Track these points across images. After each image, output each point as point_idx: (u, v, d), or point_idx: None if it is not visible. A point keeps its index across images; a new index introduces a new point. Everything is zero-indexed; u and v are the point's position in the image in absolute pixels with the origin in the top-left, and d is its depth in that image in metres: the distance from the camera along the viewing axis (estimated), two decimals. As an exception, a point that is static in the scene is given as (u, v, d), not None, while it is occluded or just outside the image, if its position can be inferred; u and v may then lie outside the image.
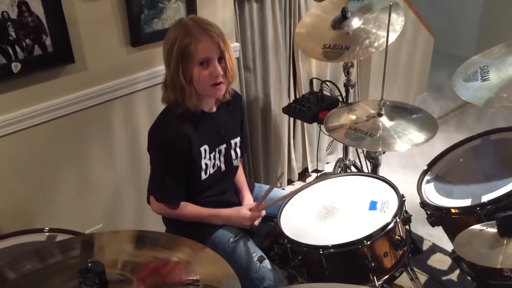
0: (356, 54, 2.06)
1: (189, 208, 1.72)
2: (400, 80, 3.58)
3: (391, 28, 2.08)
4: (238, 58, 2.53)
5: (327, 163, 3.34)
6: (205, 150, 1.68)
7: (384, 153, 2.10)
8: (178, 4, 2.06)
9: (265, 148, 2.94)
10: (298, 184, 3.21)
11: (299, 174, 3.20)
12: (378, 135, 1.90)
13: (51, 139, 1.91)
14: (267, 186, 2.01)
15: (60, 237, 1.71)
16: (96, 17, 1.86)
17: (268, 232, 1.83)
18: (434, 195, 1.67)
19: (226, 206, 1.78)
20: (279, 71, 2.78)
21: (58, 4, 1.71)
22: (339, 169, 2.52)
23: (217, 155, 1.74)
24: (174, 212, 1.72)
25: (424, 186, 1.71)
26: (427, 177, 1.75)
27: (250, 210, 1.73)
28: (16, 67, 1.70)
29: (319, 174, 3.14)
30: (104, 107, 2.00)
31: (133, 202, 2.23)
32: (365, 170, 2.54)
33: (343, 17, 2.13)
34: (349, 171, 2.54)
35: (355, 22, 2.16)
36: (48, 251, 1.33)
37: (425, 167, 1.77)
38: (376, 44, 2.06)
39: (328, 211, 1.71)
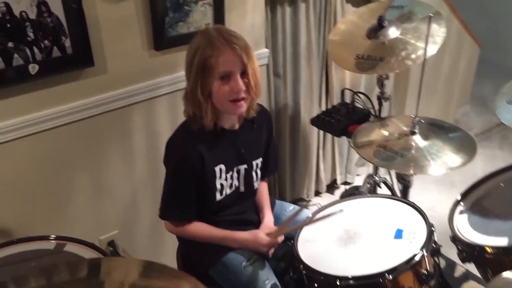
0: (391, 66, 1.93)
1: (201, 228, 1.63)
2: (440, 91, 3.40)
3: (431, 40, 1.95)
4: (267, 64, 2.44)
5: (357, 175, 3.20)
6: (220, 169, 1.58)
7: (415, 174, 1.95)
8: (205, 7, 1.98)
9: (292, 157, 2.84)
10: (325, 196, 3.08)
11: (327, 186, 3.08)
12: (410, 155, 1.76)
13: (68, 143, 1.86)
14: (289, 205, 1.90)
15: (69, 246, 1.67)
16: (118, 19, 1.79)
17: (285, 253, 1.72)
18: (467, 229, 1.52)
19: (244, 226, 1.68)
20: (310, 79, 2.67)
21: (79, 4, 1.65)
22: (368, 185, 2.38)
23: (235, 175, 1.63)
24: (184, 231, 1.63)
25: (456, 217, 1.56)
26: (460, 207, 1.60)
27: (268, 234, 1.62)
28: (33, 68, 1.65)
29: (347, 187, 3.01)
30: (124, 111, 1.93)
31: (150, 210, 2.16)
32: (396, 188, 2.39)
33: (379, 26, 2.00)
34: (378, 188, 2.40)
35: (392, 32, 2.02)
36: (56, 269, 1.27)
37: (459, 197, 1.62)
38: (413, 56, 1.92)
39: (350, 236, 1.59)
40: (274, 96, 2.59)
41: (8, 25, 1.55)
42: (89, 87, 1.82)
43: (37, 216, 1.89)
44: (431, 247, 1.50)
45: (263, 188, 1.83)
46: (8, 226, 1.83)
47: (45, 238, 1.65)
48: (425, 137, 1.84)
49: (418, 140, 1.83)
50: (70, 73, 1.74)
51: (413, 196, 2.97)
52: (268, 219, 1.74)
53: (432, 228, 1.52)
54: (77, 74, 1.77)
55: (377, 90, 2.23)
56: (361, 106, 2.34)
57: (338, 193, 3.06)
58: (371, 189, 2.44)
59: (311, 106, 2.73)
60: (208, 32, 1.49)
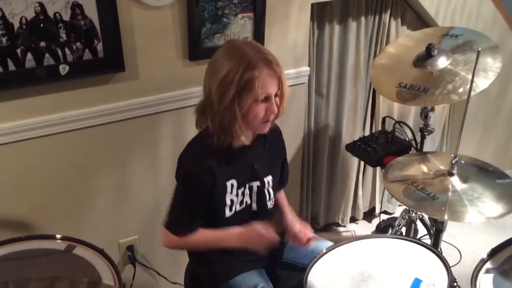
0: (434, 100, 1.79)
1: (200, 238, 1.55)
2: (501, 127, 3.16)
3: (483, 75, 1.80)
4: (309, 83, 2.35)
5: (399, 205, 3.02)
6: (232, 185, 1.52)
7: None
8: (245, 21, 1.92)
9: (329, 181, 2.73)
10: (361, 224, 2.94)
11: (365, 213, 2.93)
12: (445, 198, 1.62)
13: (95, 145, 1.87)
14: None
15: (79, 248, 1.67)
16: (154, 26, 1.78)
17: (295, 286, 1.63)
18: (490, 292, 1.36)
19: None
20: (355, 101, 2.55)
21: (114, 9, 1.66)
22: (403, 220, 2.23)
23: (247, 191, 1.57)
24: (180, 242, 1.56)
25: (481, 276, 1.41)
26: (488, 265, 1.44)
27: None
28: (64, 69, 1.67)
29: (386, 217, 2.85)
30: (153, 118, 1.92)
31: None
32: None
33: (428, 54, 1.86)
34: (414, 225, 2.24)
35: (442, 62, 1.88)
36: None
37: (485, 256, 1.46)
38: (460, 90, 1.77)
39: (364, 278, 1.47)
40: (315, 115, 2.50)
41: (42, 25, 1.58)
42: (119, 92, 1.82)
43: (59, 215, 1.92)
44: (451, 304, 1.37)
45: (283, 199, 1.79)
46: (31, 222, 1.87)
47: (52, 237, 1.66)
48: (464, 179, 1.69)
49: (455, 182, 1.68)
50: (100, 76, 1.75)
51: (458, 235, 2.80)
52: (289, 218, 1.67)
53: (455, 283, 1.39)
54: (107, 78, 1.77)
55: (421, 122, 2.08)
56: (401, 137, 2.19)
57: (375, 221, 2.91)
58: (406, 225, 2.29)
59: (353, 129, 2.61)
60: (243, 49, 1.40)
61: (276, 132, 1.66)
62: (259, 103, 1.40)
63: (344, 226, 2.89)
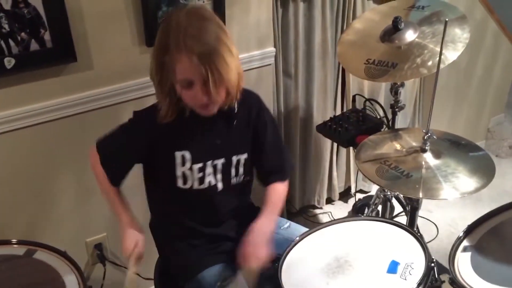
0: (403, 75, 1.73)
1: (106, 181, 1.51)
2: (472, 99, 3.14)
3: (452, 46, 1.74)
4: (276, 63, 2.27)
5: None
6: (183, 156, 1.42)
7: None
8: (203, 1, 1.83)
9: (303, 162, 2.67)
10: (338, 204, 2.90)
11: (340, 193, 2.89)
12: (419, 176, 1.57)
13: (51, 141, 1.76)
14: (285, 221, 1.70)
15: (40, 252, 1.57)
16: (105, 11, 1.67)
17: (271, 276, 1.57)
18: (468, 271, 1.31)
19: (220, 245, 1.54)
20: (325, 80, 2.49)
21: (59, -5, 1.54)
22: (378, 199, 2.19)
23: (209, 169, 1.46)
24: (96, 169, 1.52)
25: (459, 255, 1.36)
26: (465, 243, 1.40)
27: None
28: (9, 62, 1.55)
29: (362, 196, 2.81)
30: (111, 110, 1.81)
31: (140, 212, 2.03)
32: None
33: (395, 28, 1.80)
34: (388, 204, 2.20)
35: (409, 35, 1.82)
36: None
37: (461, 234, 1.41)
38: (429, 63, 1.71)
39: (339, 264, 1.42)
40: (284, 96, 2.42)
41: (-20, 16, 1.45)
42: (73, 83, 1.70)
43: (18, 217, 1.81)
44: (429, 285, 1.33)
45: (272, 189, 1.59)
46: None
47: (8, 242, 1.56)
48: (437, 155, 1.64)
49: (429, 158, 1.63)
50: (50, 68, 1.63)
51: (434, 209, 2.79)
52: (257, 224, 1.47)
53: (432, 264, 1.34)
54: (58, 69, 1.65)
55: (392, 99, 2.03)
56: (372, 115, 2.14)
57: (352, 201, 2.88)
58: (382, 203, 2.25)
59: (324, 109, 2.55)
60: (176, 24, 1.26)
61: (252, 105, 1.52)
62: (183, 87, 1.30)
63: (321, 208, 2.85)
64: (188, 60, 1.23)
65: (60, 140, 1.77)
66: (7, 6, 1.48)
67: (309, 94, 2.49)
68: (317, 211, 2.83)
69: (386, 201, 2.21)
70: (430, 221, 2.70)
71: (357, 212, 2.58)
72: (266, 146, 1.56)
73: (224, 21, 1.86)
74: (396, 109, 1.97)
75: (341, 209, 2.85)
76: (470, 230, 1.40)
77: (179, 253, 1.55)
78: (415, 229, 1.88)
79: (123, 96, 1.81)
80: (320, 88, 2.50)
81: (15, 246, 1.57)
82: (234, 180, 1.54)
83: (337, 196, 2.87)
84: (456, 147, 1.70)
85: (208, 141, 1.46)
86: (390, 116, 2.05)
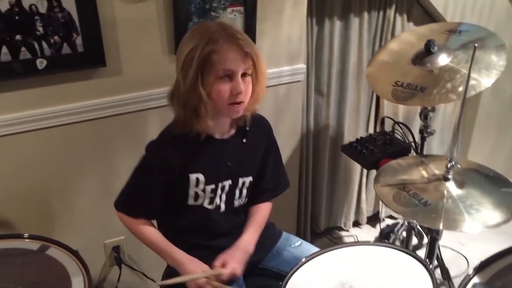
0: (431, 99, 1.67)
1: (147, 230, 1.50)
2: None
3: (486, 74, 1.68)
4: (308, 80, 2.26)
5: (405, 210, 2.90)
6: (197, 179, 1.43)
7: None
8: (235, 15, 1.84)
9: (331, 183, 2.63)
10: (365, 229, 2.83)
11: (368, 217, 2.82)
12: (440, 205, 1.51)
13: (76, 143, 1.81)
14: (296, 239, 1.69)
15: (53, 249, 1.61)
16: (137, 20, 1.71)
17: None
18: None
19: (216, 255, 1.50)
20: (358, 101, 2.45)
21: (93, 2, 1.60)
22: (401, 227, 2.12)
23: (219, 191, 1.48)
24: (131, 226, 1.53)
25: (467, 292, 1.29)
26: (475, 280, 1.32)
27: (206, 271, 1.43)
28: (41, 63, 1.61)
29: (391, 223, 2.73)
30: (137, 116, 1.85)
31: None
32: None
33: (427, 51, 1.75)
34: (413, 232, 2.13)
35: (442, 59, 1.76)
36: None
37: (471, 272, 1.34)
38: (460, 89, 1.65)
39: (345, 288, 1.38)
40: (314, 114, 2.40)
41: (17, 17, 1.52)
42: (102, 88, 1.76)
43: (41, 213, 1.87)
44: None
45: (259, 209, 1.61)
46: (9, 221, 1.82)
47: (22, 237, 1.61)
48: (461, 185, 1.57)
49: (451, 187, 1.57)
50: (80, 71, 1.69)
51: (466, 241, 2.66)
52: (241, 241, 1.50)
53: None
54: (88, 73, 1.71)
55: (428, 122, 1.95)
56: (401, 139, 2.08)
57: (380, 227, 2.79)
58: (406, 231, 2.17)
59: (356, 130, 2.50)
60: (208, 26, 1.35)
61: (262, 129, 1.56)
62: (222, 81, 1.32)
63: (347, 230, 2.78)
64: (236, 48, 1.30)
65: (86, 142, 1.82)
66: (42, 9, 1.54)
67: (341, 114, 2.45)
68: (343, 233, 2.77)
69: (410, 229, 2.14)
70: (461, 254, 2.57)
71: (384, 238, 2.50)
72: (268, 168, 1.59)
73: (255, 35, 1.89)
74: (425, 135, 1.91)
75: (368, 233, 2.77)
76: (482, 268, 1.33)
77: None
78: (434, 260, 1.82)
79: (150, 103, 1.85)
80: (353, 109, 2.46)
81: (28, 241, 1.62)
82: (236, 203, 1.55)
83: (364, 220, 2.80)
84: (484, 179, 1.63)
85: (220, 163, 1.48)
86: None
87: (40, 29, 1.57)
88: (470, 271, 1.32)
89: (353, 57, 2.34)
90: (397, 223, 2.62)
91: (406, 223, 2.11)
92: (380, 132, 2.14)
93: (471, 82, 1.64)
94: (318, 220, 2.70)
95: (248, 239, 1.52)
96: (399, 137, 2.08)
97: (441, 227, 1.48)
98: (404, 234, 2.18)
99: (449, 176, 1.57)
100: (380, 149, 2.00)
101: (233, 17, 1.84)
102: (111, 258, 2.09)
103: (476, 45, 1.40)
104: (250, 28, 1.88)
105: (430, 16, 2.38)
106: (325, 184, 2.60)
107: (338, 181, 2.63)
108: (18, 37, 1.55)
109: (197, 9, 1.76)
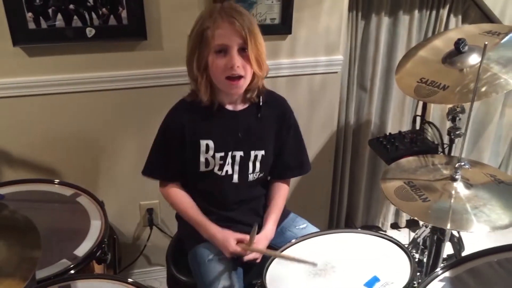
0: (451, 98, 1.64)
1: (181, 199, 1.63)
2: None
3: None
4: (349, 74, 2.29)
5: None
6: (207, 145, 1.54)
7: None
8: (272, 1, 1.93)
9: (370, 180, 2.62)
10: (403, 232, 2.78)
11: (408, 221, 2.76)
12: (446, 204, 1.50)
13: (118, 108, 2.00)
14: (303, 221, 1.74)
15: (83, 197, 1.82)
16: (179, 0, 1.86)
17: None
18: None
19: (231, 226, 1.60)
20: (403, 99, 2.43)
21: (138, -20, 1.77)
22: (423, 227, 2.08)
23: (229, 159, 1.58)
24: (165, 194, 1.66)
25: (433, 284, 1.28)
26: (443, 275, 1.30)
27: (239, 244, 1.52)
28: (90, 31, 1.82)
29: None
30: (175, 89, 1.95)
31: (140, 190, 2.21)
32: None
33: (457, 50, 1.72)
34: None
35: (473, 59, 1.72)
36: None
37: (439, 270, 1.32)
38: (483, 89, 1.60)
39: (325, 268, 1.42)
40: (356, 109, 2.41)
41: (71, -11, 1.74)
42: (142, 60, 1.93)
43: (83, 172, 2.08)
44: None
45: (278, 192, 1.70)
46: (56, 170, 2.06)
47: (51, 182, 1.83)
48: (468, 186, 1.54)
49: (459, 187, 1.54)
50: (124, 42, 1.88)
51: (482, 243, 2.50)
52: (264, 232, 1.60)
53: (414, 284, 1.28)
54: (131, 45, 1.89)
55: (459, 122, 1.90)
56: (429, 139, 2.03)
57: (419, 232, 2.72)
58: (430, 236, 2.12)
59: (400, 127, 2.47)
60: (213, 6, 1.48)
61: (278, 107, 1.63)
62: (217, 55, 1.42)
63: (384, 231, 2.75)
64: (228, 25, 1.40)
65: (127, 107, 2.01)
66: (93, -17, 1.75)
67: (385, 111, 2.44)
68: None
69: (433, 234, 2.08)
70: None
71: (414, 246, 2.44)
72: (287, 146, 1.65)
73: (291, 23, 1.96)
74: (453, 136, 1.86)
75: (405, 237, 2.72)
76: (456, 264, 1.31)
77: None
78: (440, 262, 1.79)
79: (186, 78, 1.97)
80: (397, 108, 2.44)
81: (57, 186, 1.86)
82: (251, 177, 1.63)
83: (403, 223, 2.75)
84: (497, 184, 1.58)
85: (230, 133, 1.57)
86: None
87: (91, 1, 1.77)
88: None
89: (401, 55, 2.30)
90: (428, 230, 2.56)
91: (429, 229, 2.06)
92: (411, 130, 2.12)
93: (499, 81, 1.60)
94: (355, 217, 2.70)
95: (272, 228, 1.62)
96: (429, 137, 2.04)
97: (431, 223, 1.49)
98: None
99: (457, 176, 1.55)
100: (405, 147, 1.98)
101: (271, 4, 1.93)
102: (145, 219, 2.27)
103: (486, 43, 1.37)
104: (287, 16, 1.95)
105: (488, 18, 2.29)
106: (364, 181, 2.60)
107: (378, 180, 2.60)
108: (71, 6, 1.76)
109: (236, -6, 1.87)
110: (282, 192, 1.72)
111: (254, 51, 1.42)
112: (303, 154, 1.71)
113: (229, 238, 1.52)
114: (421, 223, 2.70)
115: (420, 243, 2.12)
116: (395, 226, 2.78)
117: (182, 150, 1.57)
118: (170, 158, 1.60)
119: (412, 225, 2.78)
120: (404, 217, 2.73)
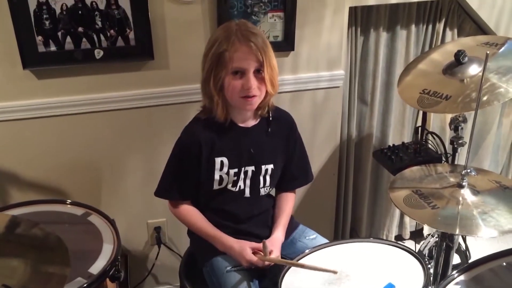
0: (454, 107, 1.68)
1: (193, 215, 1.66)
2: None
3: (515, 85, 1.67)
4: (350, 88, 2.34)
5: (453, 230, 2.83)
6: (222, 162, 1.58)
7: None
8: (275, 20, 1.98)
9: (373, 192, 2.65)
10: (408, 244, 2.78)
11: (412, 232, 2.79)
12: (456, 211, 1.53)
13: (126, 127, 2.03)
14: (312, 232, 1.78)
15: (94, 216, 1.83)
16: (184, 20, 1.91)
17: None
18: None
19: (244, 236, 1.63)
20: (403, 112, 2.47)
21: (145, 2, 1.81)
22: (429, 238, 2.10)
23: (241, 175, 1.62)
24: (177, 213, 1.68)
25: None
26: (459, 278, 1.33)
27: (255, 253, 1.56)
28: (98, 53, 1.86)
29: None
30: (180, 107, 2.04)
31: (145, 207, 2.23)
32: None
33: (457, 61, 1.77)
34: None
35: (473, 69, 1.77)
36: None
37: (455, 274, 1.35)
38: (485, 98, 1.65)
39: (340, 277, 1.44)
40: (357, 122, 2.46)
41: (80, 12, 1.78)
42: (149, 79, 1.97)
43: (94, 188, 2.10)
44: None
45: (285, 200, 1.76)
46: (64, 189, 2.07)
47: (63, 202, 1.84)
48: (476, 193, 1.58)
49: (466, 194, 1.58)
50: (131, 63, 1.92)
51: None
52: (275, 236, 1.65)
53: (429, 290, 1.31)
54: (138, 65, 1.93)
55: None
56: (433, 149, 2.08)
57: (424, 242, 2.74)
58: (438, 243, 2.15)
59: (401, 140, 2.51)
60: (229, 26, 1.51)
61: (284, 123, 1.69)
62: (233, 77, 1.47)
63: (389, 243, 2.77)
64: (246, 48, 1.45)
65: (134, 127, 2.04)
66: (101, 6, 1.79)
67: (385, 124, 2.49)
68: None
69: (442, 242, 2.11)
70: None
71: (422, 256, 2.46)
72: (293, 158, 1.72)
73: (293, 40, 2.02)
74: (456, 145, 1.91)
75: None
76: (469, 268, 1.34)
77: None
78: (449, 270, 1.81)
79: (193, 97, 2.02)
80: (397, 120, 2.48)
81: (69, 206, 1.87)
82: (262, 191, 1.68)
83: (407, 234, 2.78)
84: (503, 190, 1.62)
85: (243, 149, 1.62)
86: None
87: (99, 23, 1.81)
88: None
89: (399, 68, 2.37)
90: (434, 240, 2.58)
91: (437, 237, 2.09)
92: (414, 141, 2.16)
93: (499, 90, 1.65)
94: (359, 228, 2.72)
95: (282, 235, 1.67)
96: (432, 147, 2.08)
97: (441, 229, 1.52)
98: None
99: (463, 183, 1.58)
100: (409, 157, 2.02)
101: (273, 22, 1.98)
102: (153, 237, 2.28)
103: (488, 52, 1.43)
104: (289, 33, 2.00)
105: (482, 31, 2.36)
106: (367, 194, 2.63)
107: (381, 192, 2.64)
108: (80, 29, 1.80)
109: (239, 13, 1.92)
110: (290, 200, 1.78)
111: (268, 73, 1.48)
112: (307, 164, 1.78)
113: (246, 248, 1.55)
114: (425, 234, 2.74)
115: (426, 254, 2.14)
116: (399, 238, 2.80)
117: (197, 168, 1.59)
118: (185, 178, 1.62)
119: (416, 236, 2.80)
120: (408, 228, 2.76)
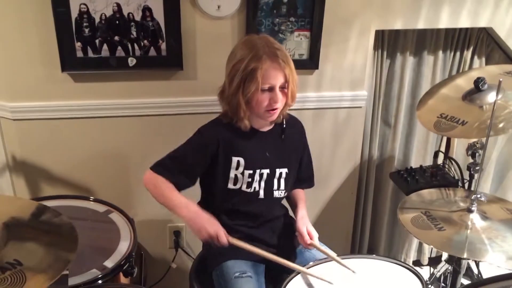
0: (469, 132, 1.71)
1: (169, 187, 1.64)
2: None
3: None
4: (374, 109, 2.37)
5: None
6: (238, 162, 1.65)
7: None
8: (301, 39, 2.06)
9: (392, 216, 2.65)
10: (426, 270, 2.77)
11: (430, 259, 2.76)
12: (464, 235, 1.54)
13: (152, 132, 2.14)
14: (322, 245, 1.81)
15: (115, 214, 1.93)
16: (214, 34, 2.01)
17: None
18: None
19: (255, 244, 1.68)
20: (427, 136, 2.49)
21: (178, 16, 1.92)
22: (443, 263, 2.09)
23: (257, 177, 1.68)
24: (151, 177, 1.68)
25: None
26: None
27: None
28: (132, 61, 1.97)
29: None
30: (206, 117, 2.10)
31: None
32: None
33: (476, 88, 1.79)
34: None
35: (492, 97, 1.78)
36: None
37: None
38: (501, 125, 1.67)
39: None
40: (379, 144, 2.48)
41: (117, 22, 1.90)
42: (178, 89, 2.07)
43: (121, 189, 2.21)
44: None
45: (297, 191, 1.87)
46: (92, 187, 2.19)
47: (86, 198, 1.95)
48: (485, 218, 1.59)
49: (475, 219, 1.59)
50: (162, 72, 2.03)
51: None
52: (303, 214, 1.76)
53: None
54: (168, 74, 2.04)
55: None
56: (450, 174, 2.08)
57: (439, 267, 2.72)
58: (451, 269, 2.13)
59: (423, 163, 2.51)
60: (255, 42, 1.58)
61: (297, 129, 1.79)
62: (262, 92, 1.56)
63: (406, 267, 2.75)
64: (276, 65, 1.54)
65: (161, 132, 2.14)
66: (137, 17, 1.91)
67: (408, 148, 2.50)
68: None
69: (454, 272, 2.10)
70: None
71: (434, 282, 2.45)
72: (303, 162, 1.82)
73: (318, 59, 2.08)
74: (472, 171, 1.92)
75: (427, 275, 2.71)
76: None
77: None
78: None
79: (218, 108, 2.10)
80: (420, 144, 2.50)
81: (92, 203, 1.99)
82: (276, 193, 1.73)
83: (426, 260, 2.76)
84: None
85: (259, 152, 1.70)
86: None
87: (134, 33, 1.93)
88: None
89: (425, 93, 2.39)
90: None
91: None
92: (432, 165, 2.17)
93: (513, 120, 1.66)
94: (377, 249, 2.72)
95: (304, 211, 1.79)
96: (450, 172, 2.09)
97: (447, 251, 1.54)
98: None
99: (473, 208, 1.60)
100: (425, 180, 2.04)
101: (299, 40, 2.05)
102: (171, 241, 2.36)
103: (501, 80, 1.45)
104: (314, 52, 2.07)
105: (511, 60, 2.36)
106: (387, 216, 2.63)
107: (401, 215, 2.64)
108: (116, 38, 1.93)
109: (266, 30, 2.01)
110: (301, 191, 1.88)
111: (291, 88, 1.58)
112: (312, 170, 1.89)
113: (216, 222, 1.61)
114: (442, 259, 2.71)
115: (441, 280, 2.13)
116: (417, 263, 2.78)
117: (204, 165, 1.66)
118: (188, 168, 1.66)
119: (434, 263, 2.78)
120: (427, 254, 2.74)
